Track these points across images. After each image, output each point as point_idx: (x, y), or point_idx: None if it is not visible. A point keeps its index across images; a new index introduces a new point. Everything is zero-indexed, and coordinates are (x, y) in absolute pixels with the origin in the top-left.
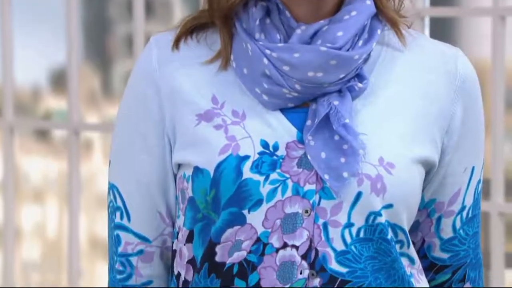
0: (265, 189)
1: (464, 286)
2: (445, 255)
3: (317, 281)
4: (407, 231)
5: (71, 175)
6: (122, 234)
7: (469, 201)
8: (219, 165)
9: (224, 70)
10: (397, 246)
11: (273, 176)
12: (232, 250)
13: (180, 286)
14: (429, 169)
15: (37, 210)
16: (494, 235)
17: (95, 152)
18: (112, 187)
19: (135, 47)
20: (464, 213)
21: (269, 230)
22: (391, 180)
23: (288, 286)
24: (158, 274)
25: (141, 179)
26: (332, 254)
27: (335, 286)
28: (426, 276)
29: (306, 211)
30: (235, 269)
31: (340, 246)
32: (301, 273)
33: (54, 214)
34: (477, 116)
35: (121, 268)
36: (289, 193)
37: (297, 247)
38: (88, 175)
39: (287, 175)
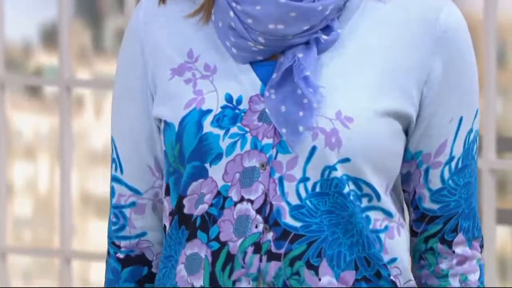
0: (224, 143)
1: (457, 236)
2: (435, 206)
3: (270, 235)
4: (379, 184)
5: (63, 132)
6: (116, 186)
7: (458, 152)
8: (183, 119)
9: (205, 24)
10: (365, 200)
11: (233, 130)
12: (197, 203)
13: (166, 238)
14: (407, 122)
15: (29, 166)
16: (486, 191)
17: (86, 108)
18: (111, 140)
19: (126, 3)
20: (453, 164)
21: (229, 184)
22: (347, 134)
23: (242, 240)
24: (152, 226)
25: (131, 133)
26: (286, 208)
27: (288, 240)
28: (419, 227)
29: (263, 165)
30: (198, 222)
31: (294, 201)
32: (256, 227)
33: (46, 170)
34: (464, 66)
35: (114, 219)
36: (247, 147)
37: (252, 201)
38: (80, 132)
39: (247, 129)
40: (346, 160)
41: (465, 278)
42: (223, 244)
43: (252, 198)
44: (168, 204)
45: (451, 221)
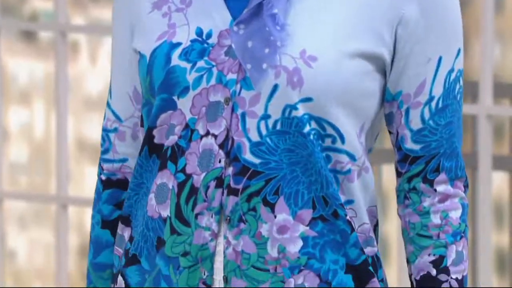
0: (191, 77)
1: (439, 176)
2: (416, 146)
3: (230, 170)
4: (350, 125)
5: (58, 77)
6: (107, 110)
7: (437, 92)
8: (154, 51)
9: None
10: (328, 141)
11: (200, 63)
12: (168, 133)
13: (136, 166)
14: (381, 62)
15: (24, 112)
16: (482, 137)
17: (82, 54)
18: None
19: None
20: (433, 104)
21: (196, 117)
22: (310, 74)
23: (205, 174)
24: (133, 153)
25: (118, 62)
26: (247, 144)
27: (246, 176)
28: (403, 168)
29: (226, 100)
30: (169, 152)
31: (255, 137)
32: (219, 162)
33: (41, 116)
34: (443, 6)
35: (102, 142)
36: (213, 81)
37: (216, 136)
38: (75, 78)
39: (213, 63)
40: (308, 99)
41: (446, 215)
42: (188, 177)
43: (216, 132)
44: (141, 134)
45: (432, 161)
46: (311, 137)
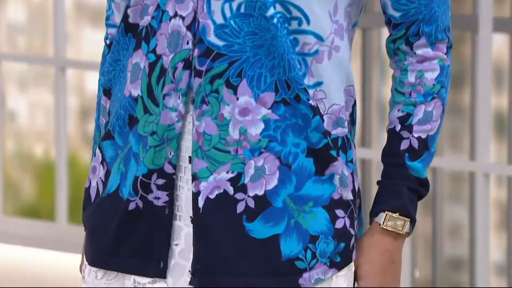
0: None
1: (420, 40)
2: (396, 14)
3: (196, 52)
4: (310, 6)
5: None
6: None
7: None
8: None
9: None
10: (294, 23)
11: None
12: (142, 13)
13: (114, 43)
14: None
15: None
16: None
17: None
18: None
19: None
20: None
21: None
22: None
23: (173, 55)
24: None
25: None
26: (211, 26)
27: (210, 58)
28: (388, 30)
29: None
30: (143, 32)
31: (219, 20)
32: (187, 44)
33: None
34: None
35: (107, 7)
36: None
37: (183, 18)
38: None
39: None
40: None
41: (421, 75)
42: (158, 57)
43: (184, 14)
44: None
45: (412, 27)
46: (275, 20)
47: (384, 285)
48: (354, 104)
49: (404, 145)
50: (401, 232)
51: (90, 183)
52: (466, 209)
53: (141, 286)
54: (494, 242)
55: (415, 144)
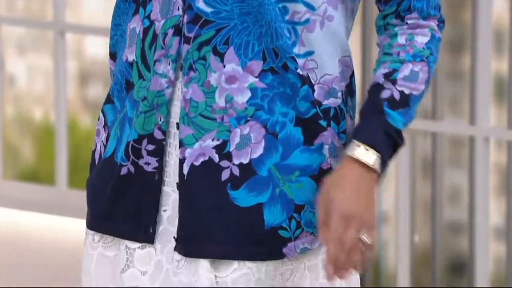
0: None
1: (411, 14)
2: None
3: (185, 18)
4: None
5: None
6: None
7: None
8: None
9: None
10: None
11: None
12: None
13: (115, 8)
14: None
15: None
16: None
17: None
18: None
19: None
20: None
21: None
22: None
23: (164, 21)
24: None
25: None
26: None
27: (198, 25)
28: (379, 6)
29: None
30: None
31: None
32: (178, 10)
33: None
34: None
35: None
36: None
37: None
38: None
39: None
40: None
41: (412, 38)
42: (152, 23)
43: None
44: None
45: (403, 3)
46: None
47: (357, 210)
48: (352, 75)
49: (385, 94)
50: (371, 166)
51: (96, 146)
52: (465, 174)
53: (131, 251)
54: (494, 207)
55: (397, 95)
